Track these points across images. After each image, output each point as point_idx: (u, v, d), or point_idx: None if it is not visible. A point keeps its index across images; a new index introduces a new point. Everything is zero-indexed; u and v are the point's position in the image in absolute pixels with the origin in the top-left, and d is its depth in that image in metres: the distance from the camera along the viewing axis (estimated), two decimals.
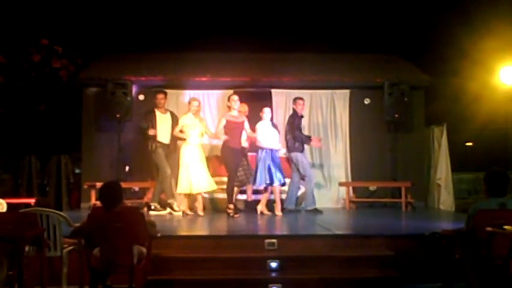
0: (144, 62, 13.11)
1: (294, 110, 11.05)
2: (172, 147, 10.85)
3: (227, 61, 13.13)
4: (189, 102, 10.70)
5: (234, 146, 10.23)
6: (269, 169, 10.35)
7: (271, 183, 10.39)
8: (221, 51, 13.69)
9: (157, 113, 10.91)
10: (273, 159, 10.43)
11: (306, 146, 11.20)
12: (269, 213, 10.51)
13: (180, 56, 13.53)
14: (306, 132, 11.79)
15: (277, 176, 10.38)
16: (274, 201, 10.67)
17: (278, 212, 10.46)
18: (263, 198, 10.73)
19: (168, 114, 11.05)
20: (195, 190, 10.33)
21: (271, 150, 10.47)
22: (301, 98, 11.11)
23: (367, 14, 18.03)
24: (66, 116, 15.19)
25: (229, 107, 10.37)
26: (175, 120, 10.87)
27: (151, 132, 10.66)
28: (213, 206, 11.43)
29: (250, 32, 16.48)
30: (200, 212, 10.38)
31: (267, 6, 17.95)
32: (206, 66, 12.81)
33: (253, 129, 10.56)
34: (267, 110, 10.72)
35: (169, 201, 10.71)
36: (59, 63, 16.25)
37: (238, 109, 10.42)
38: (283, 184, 10.68)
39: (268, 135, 10.54)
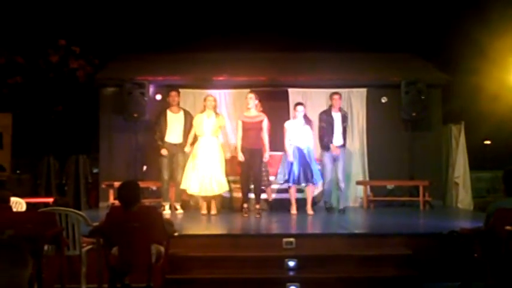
0: (161, 61, 13.15)
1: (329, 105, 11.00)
2: (184, 146, 10.69)
3: (244, 60, 13.14)
4: (205, 99, 10.65)
5: (248, 147, 10.12)
6: (300, 168, 10.22)
7: (303, 182, 10.28)
8: (238, 50, 13.70)
9: (169, 113, 10.84)
10: (303, 158, 10.29)
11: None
12: (295, 212, 10.35)
13: (196, 56, 13.55)
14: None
15: (309, 175, 10.24)
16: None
17: (310, 212, 10.27)
18: (292, 198, 10.49)
19: (181, 113, 10.91)
20: (205, 192, 10.30)
21: (300, 149, 10.32)
22: (335, 93, 10.96)
23: (384, 13, 17.98)
24: (84, 116, 15.29)
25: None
26: (188, 119, 10.78)
27: (163, 152, 10.74)
28: (231, 205, 11.41)
29: (267, 32, 16.47)
30: (203, 211, 10.41)
31: (284, 6, 17.95)
32: (223, 65, 12.82)
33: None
34: (300, 108, 10.53)
35: (164, 203, 10.72)
36: (77, 64, 16.39)
37: (254, 107, 10.33)
38: (316, 183, 10.59)
39: (297, 133, 10.40)
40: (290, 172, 10.32)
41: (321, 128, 10.71)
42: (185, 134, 10.69)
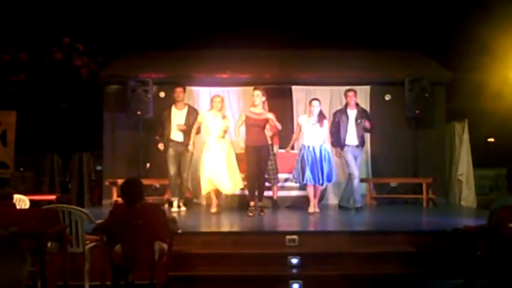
0: (165, 59, 13.15)
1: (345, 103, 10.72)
2: (186, 143, 10.51)
3: (247, 58, 13.14)
4: (212, 99, 10.45)
5: (251, 144, 9.82)
6: (311, 167, 9.85)
7: (314, 182, 9.91)
8: (241, 47, 13.70)
9: (173, 109, 10.71)
10: (315, 157, 9.91)
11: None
12: (312, 210, 10.06)
13: (200, 53, 13.54)
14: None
15: (319, 175, 9.90)
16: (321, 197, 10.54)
17: (311, 209, 10.02)
18: (310, 196, 10.16)
19: (185, 109, 10.73)
20: (219, 187, 10.09)
21: (312, 146, 9.95)
22: (349, 90, 10.67)
23: (388, 11, 17.98)
24: (88, 114, 15.32)
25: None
26: (191, 115, 10.62)
27: (160, 147, 10.77)
28: (235, 203, 11.39)
29: (270, 29, 16.49)
30: (213, 209, 10.19)
31: (287, 3, 17.96)
32: (226, 63, 12.80)
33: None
34: (315, 103, 9.96)
35: (172, 199, 10.64)
36: (80, 61, 16.43)
37: (261, 104, 9.99)
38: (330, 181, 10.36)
39: (310, 130, 10.00)
40: (303, 171, 9.97)
41: (330, 127, 10.44)
42: (188, 132, 10.56)
